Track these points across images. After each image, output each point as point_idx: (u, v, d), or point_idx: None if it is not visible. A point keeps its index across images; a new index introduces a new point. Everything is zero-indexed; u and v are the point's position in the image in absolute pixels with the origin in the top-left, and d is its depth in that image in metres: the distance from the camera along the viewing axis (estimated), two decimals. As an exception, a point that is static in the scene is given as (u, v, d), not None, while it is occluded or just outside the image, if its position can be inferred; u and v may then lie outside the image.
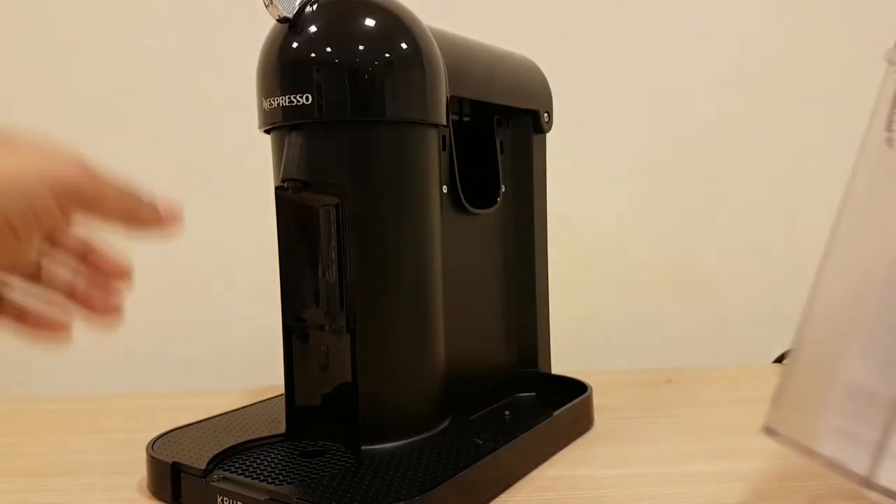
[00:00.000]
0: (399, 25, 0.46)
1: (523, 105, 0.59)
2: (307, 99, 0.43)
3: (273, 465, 0.46)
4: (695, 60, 0.83)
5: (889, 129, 0.47)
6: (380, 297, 0.48)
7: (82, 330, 0.86)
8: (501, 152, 0.58)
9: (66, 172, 0.29)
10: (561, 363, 0.64)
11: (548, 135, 0.62)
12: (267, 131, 0.48)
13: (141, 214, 0.32)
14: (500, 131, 0.58)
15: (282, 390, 0.52)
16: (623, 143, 0.84)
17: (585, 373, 0.61)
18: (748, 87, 0.84)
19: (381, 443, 0.47)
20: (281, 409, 0.52)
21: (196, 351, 0.82)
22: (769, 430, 0.35)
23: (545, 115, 0.61)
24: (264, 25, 0.46)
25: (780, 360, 0.80)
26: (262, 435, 0.50)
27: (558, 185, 0.63)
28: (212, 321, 0.83)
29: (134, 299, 0.83)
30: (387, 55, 0.45)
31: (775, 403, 0.35)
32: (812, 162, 0.85)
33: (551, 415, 0.53)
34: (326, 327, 0.50)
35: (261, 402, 0.60)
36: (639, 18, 0.83)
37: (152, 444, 0.48)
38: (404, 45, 0.45)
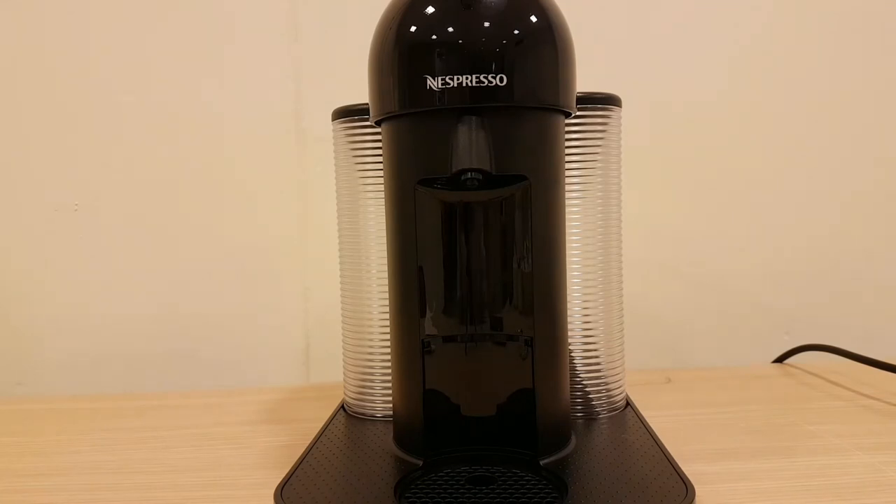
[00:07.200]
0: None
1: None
2: (501, 80, 0.40)
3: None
4: (696, 62, 0.83)
5: None
6: (553, 298, 0.45)
7: (81, 330, 0.85)
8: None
9: None
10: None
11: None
12: (377, 122, 0.45)
13: None
14: None
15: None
16: (622, 142, 0.84)
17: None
18: (749, 88, 0.84)
19: (550, 456, 0.45)
20: (358, 436, 0.49)
21: (197, 350, 0.82)
22: None
23: None
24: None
25: (780, 359, 0.80)
26: (402, 472, 0.43)
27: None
28: (215, 320, 0.83)
29: (134, 298, 0.83)
30: (568, 42, 0.43)
31: None
32: (812, 163, 0.85)
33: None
34: (490, 336, 0.46)
35: (319, 434, 0.52)
36: (641, 15, 0.83)
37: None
38: (569, 35, 0.44)
